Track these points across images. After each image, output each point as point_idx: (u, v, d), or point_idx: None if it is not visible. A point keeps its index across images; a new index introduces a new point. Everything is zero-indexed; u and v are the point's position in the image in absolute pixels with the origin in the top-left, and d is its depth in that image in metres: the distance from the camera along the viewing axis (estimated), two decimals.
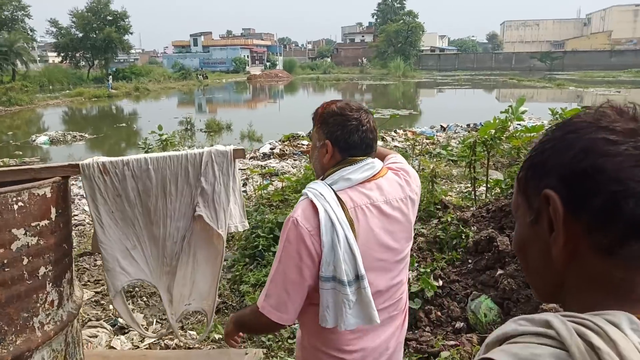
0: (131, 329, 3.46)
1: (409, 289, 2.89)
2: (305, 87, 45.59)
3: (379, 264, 1.42)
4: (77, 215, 6.08)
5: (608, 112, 0.62)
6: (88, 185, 1.96)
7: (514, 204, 0.70)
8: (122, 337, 3.40)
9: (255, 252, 4.18)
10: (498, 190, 5.06)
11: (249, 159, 9.76)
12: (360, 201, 1.39)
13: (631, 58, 60.50)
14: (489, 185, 5.26)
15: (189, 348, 3.19)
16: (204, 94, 36.66)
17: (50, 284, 1.81)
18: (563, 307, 0.65)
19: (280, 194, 5.33)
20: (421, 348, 2.97)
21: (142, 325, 3.56)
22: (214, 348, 3.28)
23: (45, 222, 1.76)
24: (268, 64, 67.29)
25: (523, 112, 4.96)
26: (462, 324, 3.17)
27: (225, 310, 3.77)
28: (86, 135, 15.93)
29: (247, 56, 64.49)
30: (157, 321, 3.70)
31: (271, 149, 10.62)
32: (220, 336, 3.36)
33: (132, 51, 66.29)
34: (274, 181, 6.69)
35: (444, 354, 2.88)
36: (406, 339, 2.60)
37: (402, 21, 64.43)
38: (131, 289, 4.10)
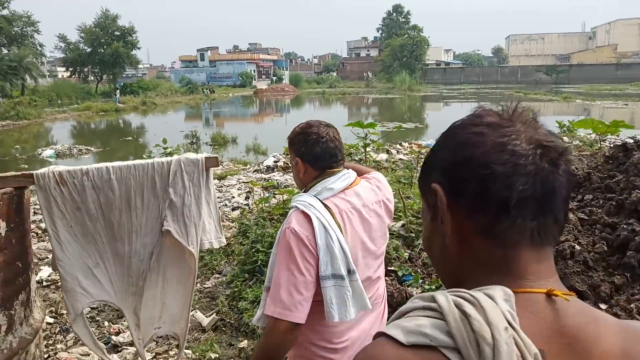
0: (125, 347, 3.35)
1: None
2: (312, 101, 45.72)
3: (363, 260, 1.60)
4: None
5: (481, 113, 0.70)
6: (43, 197, 1.78)
7: (422, 209, 0.76)
8: (115, 356, 3.28)
9: (254, 267, 4.07)
10: None
11: (252, 172, 9.68)
12: (344, 206, 1.58)
13: (637, 71, 60.20)
14: None
15: None
16: (210, 108, 36.82)
17: None
18: (473, 286, 0.67)
19: (281, 207, 5.23)
20: None
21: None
22: None
23: None
24: (274, 78, 67.70)
25: None
26: None
27: (223, 328, 3.65)
28: (92, 148, 15.97)
29: (254, 71, 64.97)
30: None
31: (275, 161, 10.55)
32: (217, 355, 3.24)
33: (140, 66, 67.13)
34: (275, 194, 6.59)
35: None
36: None
37: (407, 35, 64.73)
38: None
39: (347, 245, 1.51)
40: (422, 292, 3.62)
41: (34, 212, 5.48)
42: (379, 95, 46.29)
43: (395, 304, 3.22)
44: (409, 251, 4.11)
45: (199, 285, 4.36)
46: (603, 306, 2.87)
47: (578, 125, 8.96)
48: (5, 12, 39.69)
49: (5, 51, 39.34)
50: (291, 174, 9.51)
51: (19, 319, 1.76)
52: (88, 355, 3.26)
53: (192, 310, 3.92)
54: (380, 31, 75.40)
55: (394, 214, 4.85)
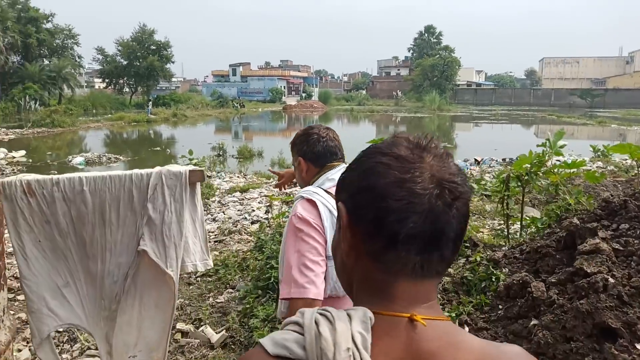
0: None
1: None
2: (340, 117, 45.76)
3: None
4: None
5: (400, 140, 0.72)
6: (9, 208, 1.62)
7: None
8: None
9: (267, 284, 3.94)
10: (534, 228, 4.69)
11: (274, 186, 9.62)
12: None
13: None
14: (523, 224, 4.89)
15: None
16: (240, 121, 37.24)
17: None
18: (354, 303, 0.73)
19: None
20: None
21: None
22: None
23: None
24: (304, 94, 68.18)
25: (562, 147, 4.63)
26: None
27: (232, 346, 3.53)
28: (121, 157, 16.25)
29: (284, 87, 65.59)
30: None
31: None
32: None
33: (174, 79, 68.74)
34: None
35: None
36: None
37: (438, 55, 64.41)
38: None
39: None
40: None
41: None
42: (408, 114, 46.01)
43: None
44: None
45: (211, 299, 4.26)
46: (639, 346, 2.63)
47: (614, 150, 8.55)
48: (49, 25, 41.42)
49: (46, 62, 40.91)
50: None
51: None
52: None
53: (202, 326, 3.82)
54: (411, 51, 75.28)
55: None
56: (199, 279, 4.68)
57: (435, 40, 70.35)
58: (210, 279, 4.66)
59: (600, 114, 45.45)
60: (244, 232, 6.28)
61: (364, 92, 77.06)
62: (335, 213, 1.47)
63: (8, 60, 37.25)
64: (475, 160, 13.73)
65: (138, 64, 45.93)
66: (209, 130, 30.87)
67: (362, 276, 0.72)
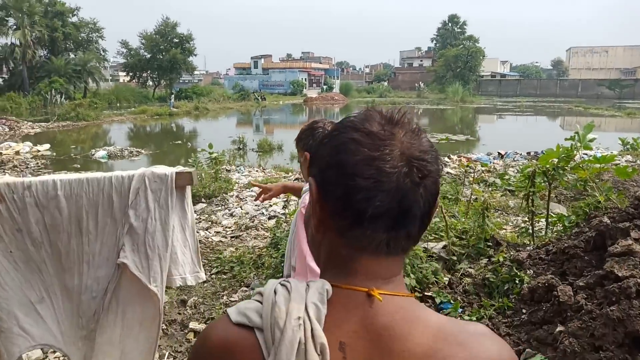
0: None
1: None
2: (361, 110, 45.39)
3: None
4: None
5: (373, 115, 0.72)
6: None
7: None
8: None
9: None
10: (560, 227, 4.49)
11: (294, 180, 9.53)
12: None
13: None
14: (549, 221, 4.69)
15: None
16: (261, 115, 37.27)
17: None
18: (320, 276, 0.75)
19: None
20: None
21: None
22: None
23: None
24: (325, 87, 67.85)
25: (591, 140, 4.40)
26: None
27: None
28: (143, 151, 16.39)
29: (305, 79, 65.35)
30: (170, 353, 3.43)
31: None
32: None
33: (197, 72, 69.17)
34: None
35: None
36: None
37: (462, 46, 63.25)
38: None
39: None
40: None
41: None
42: (430, 106, 45.39)
43: None
44: (449, 276, 3.77)
45: (225, 298, 4.20)
46: None
47: None
48: (74, 19, 42.08)
49: (72, 56, 41.61)
50: None
51: None
52: None
53: None
54: (434, 41, 74.15)
55: (435, 234, 4.53)
56: (213, 276, 4.62)
57: (459, 30, 69.09)
58: (225, 277, 4.60)
59: (629, 105, 44.05)
60: (261, 228, 6.20)
61: (385, 83, 76.31)
62: None
63: (35, 54, 38.01)
64: (499, 153, 13.40)
65: (161, 57, 46.29)
66: (231, 124, 30.97)
67: (328, 250, 0.73)
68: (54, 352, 3.12)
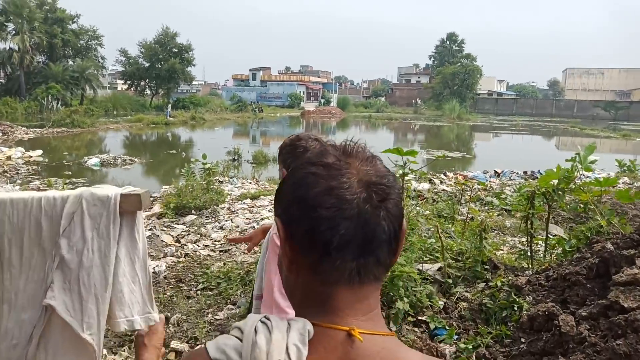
0: None
1: None
2: (357, 124, 45.49)
3: None
4: None
5: (327, 149, 0.73)
6: None
7: None
8: None
9: None
10: (559, 250, 4.34)
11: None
12: None
13: None
14: (548, 243, 4.54)
15: None
16: (258, 126, 37.20)
17: None
18: (296, 315, 0.73)
19: None
20: None
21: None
22: None
23: None
24: (322, 100, 68.04)
25: (592, 162, 4.28)
26: None
27: None
28: (136, 159, 16.20)
29: (303, 92, 65.55)
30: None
31: None
32: None
33: (195, 82, 69.31)
34: None
35: None
36: None
37: (459, 64, 63.71)
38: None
39: None
40: (457, 350, 3.11)
41: None
42: (427, 122, 45.50)
43: None
44: (444, 300, 3.61)
45: (210, 315, 4.01)
46: None
47: None
48: (74, 26, 42.09)
49: (70, 62, 41.54)
50: None
51: None
52: None
53: (197, 345, 3.56)
54: (432, 58, 74.66)
55: (430, 255, 4.37)
56: (199, 292, 4.44)
57: (457, 48, 69.62)
58: (211, 293, 4.41)
59: (624, 126, 44.34)
60: None
61: (382, 99, 76.63)
62: None
63: (33, 60, 37.93)
64: (495, 172, 13.30)
65: (159, 66, 46.33)
66: (227, 134, 30.88)
67: (304, 289, 0.72)
68: None
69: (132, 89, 49.63)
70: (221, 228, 6.61)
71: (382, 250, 0.69)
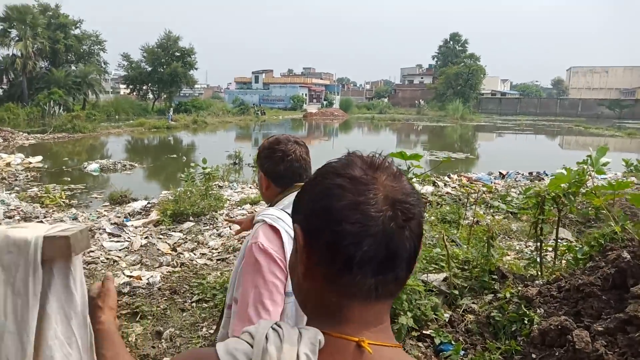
0: None
1: None
2: (360, 126, 45.29)
3: None
4: (93, 251, 5.66)
5: (354, 160, 0.72)
6: None
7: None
8: None
9: None
10: (570, 256, 4.14)
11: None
12: None
13: None
14: (558, 249, 4.35)
15: None
16: (260, 129, 37.06)
17: None
18: (307, 323, 0.73)
19: None
20: None
21: None
22: None
23: None
24: (325, 102, 67.85)
25: (604, 164, 4.08)
26: None
27: None
28: (137, 165, 16.07)
29: (306, 94, 65.35)
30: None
31: None
32: None
33: (198, 86, 69.23)
34: None
35: None
36: None
37: (463, 64, 63.43)
38: None
39: None
40: None
41: None
42: (430, 123, 45.25)
43: None
44: (450, 312, 3.41)
45: (204, 330, 3.84)
46: None
47: None
48: (77, 31, 42.09)
49: (73, 67, 41.53)
50: None
51: None
52: None
53: None
54: (435, 59, 74.38)
55: (435, 265, 4.17)
56: (194, 304, 4.26)
57: (460, 48, 69.31)
58: (206, 305, 4.24)
59: (629, 125, 43.98)
60: None
61: (385, 100, 76.40)
62: None
63: (36, 65, 37.90)
64: (500, 173, 13.08)
65: (162, 70, 46.29)
66: (229, 138, 30.76)
67: (317, 297, 0.72)
68: None
69: (134, 93, 49.60)
70: (219, 235, 6.44)
71: (402, 268, 0.69)
